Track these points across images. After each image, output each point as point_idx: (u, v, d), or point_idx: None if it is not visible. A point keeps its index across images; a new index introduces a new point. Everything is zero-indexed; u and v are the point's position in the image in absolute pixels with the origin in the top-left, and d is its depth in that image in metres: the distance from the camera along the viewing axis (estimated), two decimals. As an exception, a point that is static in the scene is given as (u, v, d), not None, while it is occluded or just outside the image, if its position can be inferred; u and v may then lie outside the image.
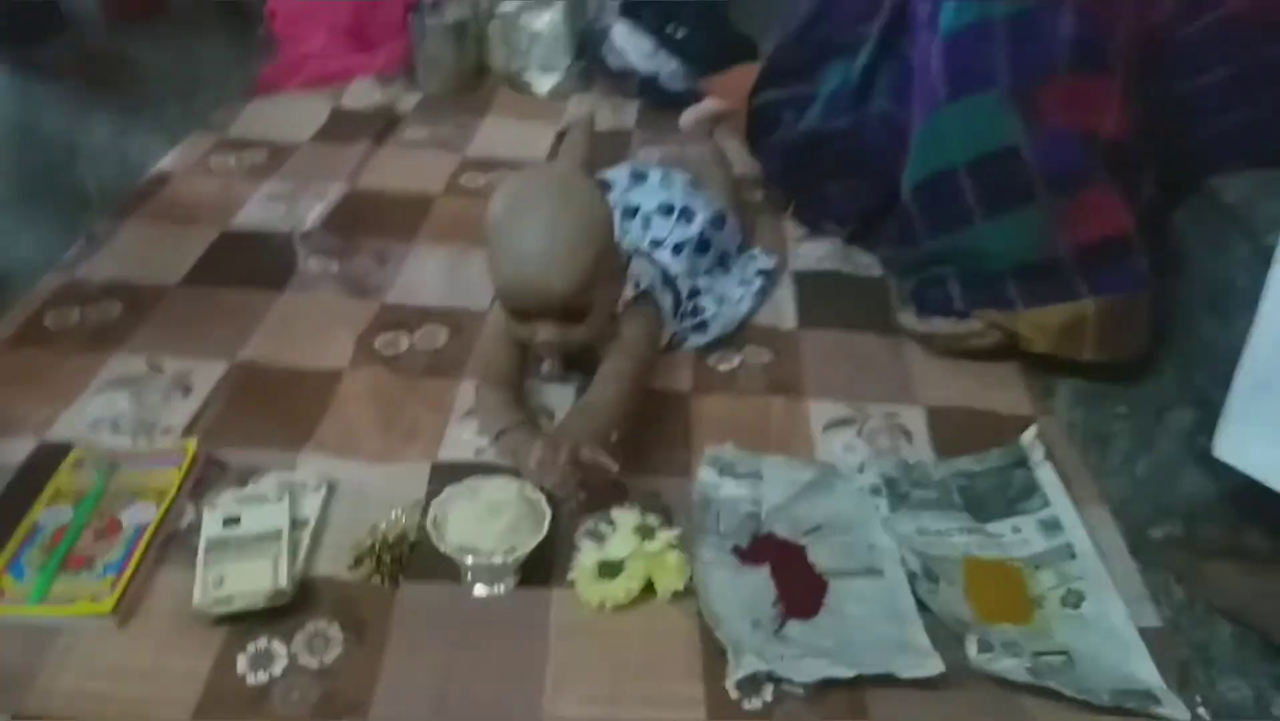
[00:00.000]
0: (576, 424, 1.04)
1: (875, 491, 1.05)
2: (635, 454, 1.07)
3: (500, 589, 0.93)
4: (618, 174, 1.45)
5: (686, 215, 1.35)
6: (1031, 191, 1.14)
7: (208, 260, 1.42)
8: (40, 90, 1.90)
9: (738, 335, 1.30)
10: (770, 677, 0.85)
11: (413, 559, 0.95)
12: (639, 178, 1.43)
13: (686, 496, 1.04)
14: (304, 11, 2.05)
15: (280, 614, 0.88)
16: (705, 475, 1.05)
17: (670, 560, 0.93)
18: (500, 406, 1.10)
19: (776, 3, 1.82)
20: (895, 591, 0.94)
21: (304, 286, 1.36)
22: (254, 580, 0.88)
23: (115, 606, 0.86)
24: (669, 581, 0.92)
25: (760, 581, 0.94)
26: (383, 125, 1.85)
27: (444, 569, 0.93)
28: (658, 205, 1.35)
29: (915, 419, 1.18)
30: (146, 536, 0.93)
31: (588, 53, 2.05)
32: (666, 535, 0.95)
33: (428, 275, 1.41)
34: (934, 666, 0.86)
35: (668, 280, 1.25)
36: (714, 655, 0.87)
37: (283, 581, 0.88)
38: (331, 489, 1.02)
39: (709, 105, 1.81)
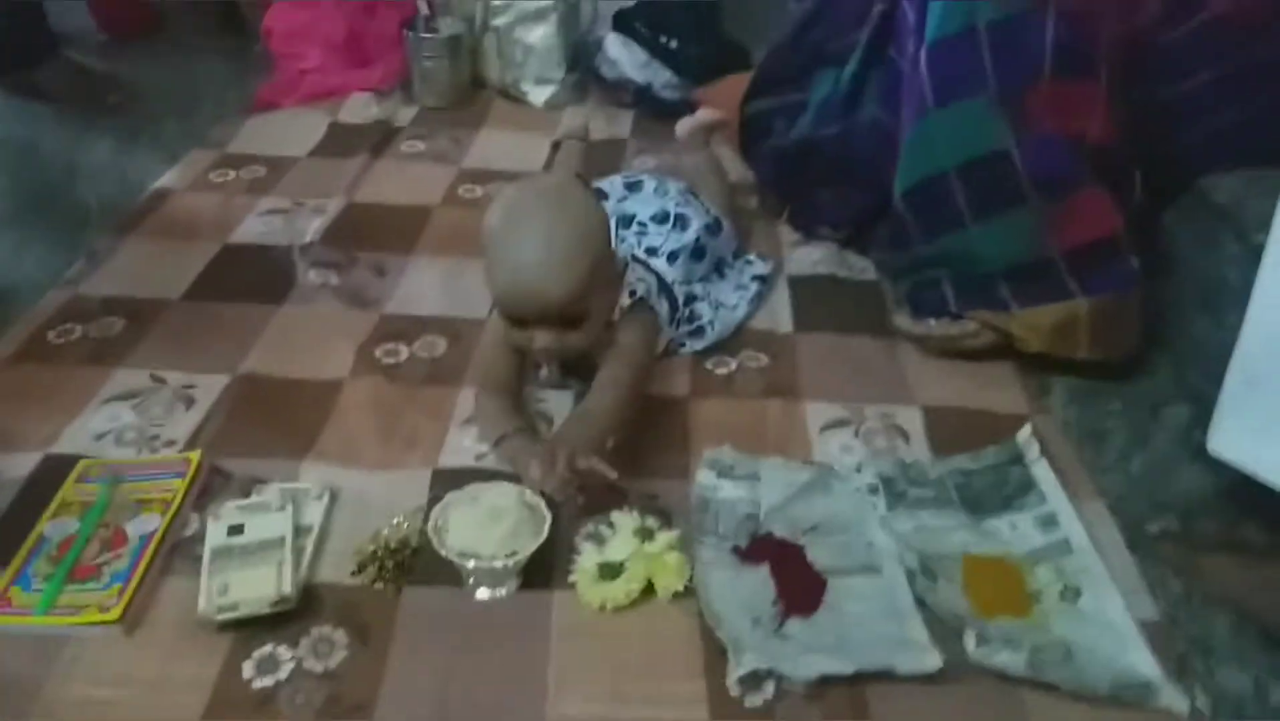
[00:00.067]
0: (574, 431, 1.05)
1: (873, 491, 1.06)
2: (634, 458, 1.08)
3: (502, 592, 0.93)
4: (613, 183, 1.46)
5: (681, 222, 1.36)
6: (1021, 194, 1.15)
7: (208, 275, 1.43)
8: (38, 111, 1.91)
9: (734, 339, 1.32)
10: (771, 675, 0.86)
11: (415, 564, 0.95)
12: (634, 186, 1.44)
13: (685, 499, 1.05)
14: (300, 29, 2.07)
15: (285, 620, 0.89)
16: (703, 477, 1.06)
17: (670, 561, 0.94)
18: (499, 413, 1.11)
19: (768, 12, 1.84)
20: (894, 588, 0.95)
21: (304, 299, 1.38)
22: (258, 587, 0.89)
23: (122, 615, 0.87)
24: (669, 582, 0.93)
25: (759, 580, 0.95)
26: (380, 139, 1.86)
27: (446, 573, 0.94)
28: (653, 213, 1.37)
29: (912, 419, 1.19)
30: (152, 546, 0.94)
31: (582, 64, 2.08)
32: (666, 536, 0.96)
33: (426, 286, 1.42)
34: (933, 662, 0.86)
35: (664, 287, 1.26)
36: (715, 654, 0.88)
37: (287, 588, 0.89)
38: (334, 496, 1.03)
39: (703, 114, 1.83)
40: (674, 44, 1.98)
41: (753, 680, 0.85)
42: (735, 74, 1.79)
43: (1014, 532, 1.02)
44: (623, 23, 2.04)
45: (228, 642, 0.87)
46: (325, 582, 0.94)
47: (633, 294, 1.17)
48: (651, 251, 1.32)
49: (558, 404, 1.19)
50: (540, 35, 2.02)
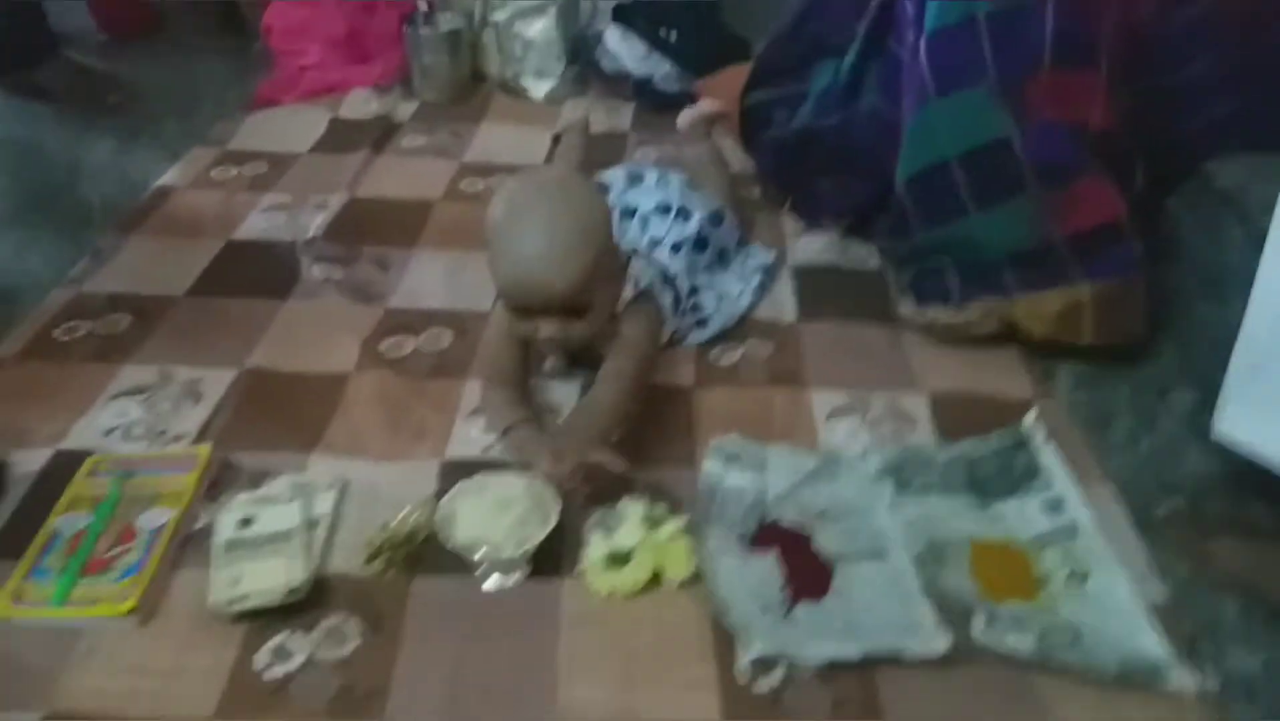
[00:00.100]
0: (581, 424, 1.06)
1: (879, 477, 1.06)
2: (640, 448, 1.08)
3: (511, 581, 0.94)
4: (614, 175, 1.47)
5: (684, 214, 1.36)
6: (1023, 182, 1.16)
7: (213, 271, 1.43)
8: (39, 111, 1.91)
9: (739, 329, 1.32)
10: (780, 660, 0.86)
11: (425, 553, 0.96)
12: (636, 179, 1.44)
13: (692, 487, 1.05)
14: (300, 26, 2.07)
15: (297, 610, 0.90)
16: (710, 466, 1.07)
17: (678, 548, 0.95)
18: (505, 405, 1.11)
19: (767, 3, 1.83)
20: (901, 573, 0.95)
21: (308, 294, 1.38)
22: (269, 578, 0.89)
23: (135, 607, 0.88)
24: (677, 569, 0.94)
25: (767, 567, 0.96)
26: (381, 134, 1.86)
27: (455, 563, 0.94)
28: (655, 205, 1.37)
29: (918, 405, 1.19)
30: (164, 539, 0.94)
31: (581, 57, 2.08)
32: (673, 524, 0.97)
33: (430, 280, 1.42)
34: (941, 645, 0.87)
35: (667, 279, 1.26)
36: (723, 640, 0.88)
37: (298, 578, 0.90)
38: (343, 488, 1.03)
39: (704, 106, 1.83)
40: (673, 36, 1.99)
41: (761, 665, 0.86)
42: (735, 65, 1.79)
43: (1021, 517, 1.03)
44: (622, 16, 2.05)
45: (241, 633, 0.88)
46: (336, 573, 0.95)
47: (636, 285, 1.18)
48: (654, 243, 1.32)
49: (563, 395, 1.19)
50: (540, 29, 2.02)
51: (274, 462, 1.07)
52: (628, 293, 1.16)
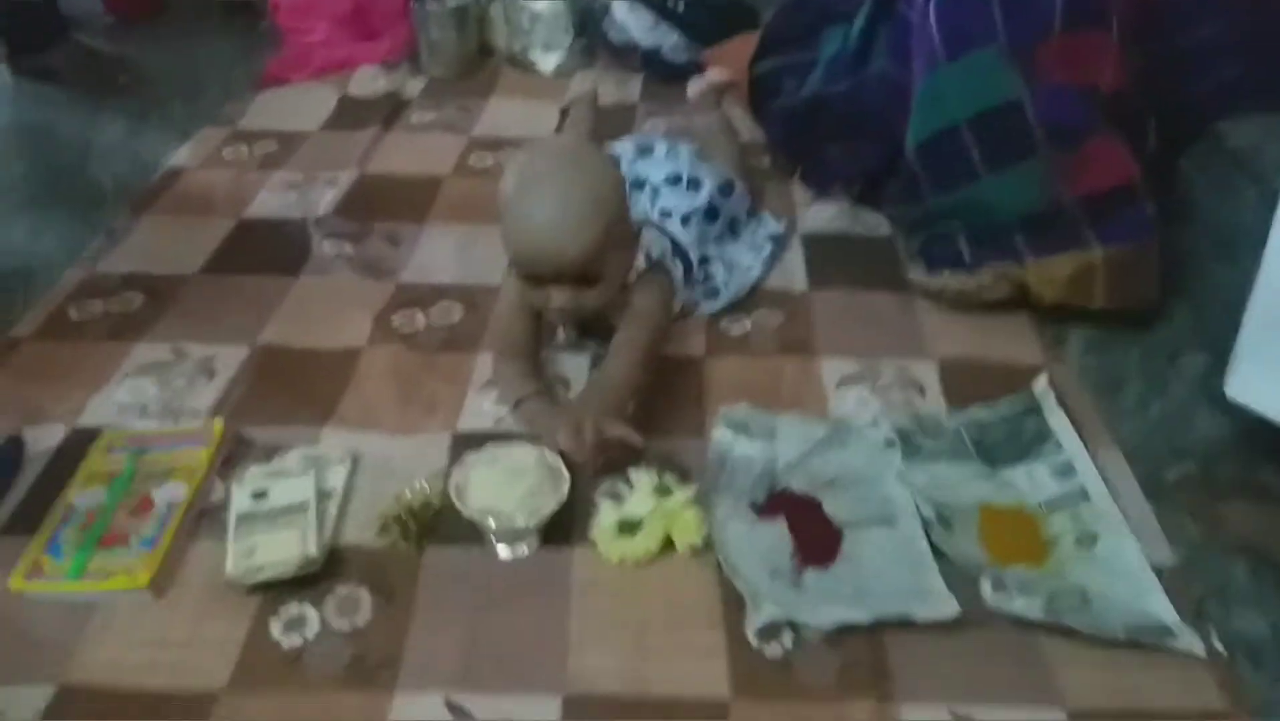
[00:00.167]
0: (595, 398, 1.06)
1: (889, 444, 1.06)
2: (651, 417, 1.09)
3: (523, 550, 0.95)
4: (624, 147, 1.46)
5: (694, 185, 1.36)
6: (1034, 144, 1.15)
7: (225, 249, 1.44)
8: (51, 94, 1.92)
9: (749, 299, 1.32)
10: (789, 625, 0.87)
11: (437, 524, 0.97)
12: (645, 150, 1.44)
13: (702, 456, 1.05)
14: (307, 3, 2.06)
15: (311, 581, 0.91)
16: (720, 434, 1.07)
17: (688, 516, 0.95)
18: (517, 377, 1.12)
19: (775, -29, 1.82)
20: (910, 539, 0.95)
21: (320, 270, 1.39)
22: (284, 550, 0.91)
23: (151, 580, 0.89)
24: (687, 537, 0.94)
25: (777, 533, 0.96)
26: (390, 111, 1.86)
27: (467, 533, 0.95)
28: (665, 176, 1.37)
29: (927, 372, 1.19)
30: (179, 513, 0.96)
31: (589, 29, 2.06)
32: (684, 492, 0.97)
33: (440, 254, 1.43)
34: (950, 609, 0.87)
35: (678, 249, 1.26)
36: (733, 606, 0.89)
37: (312, 549, 0.91)
38: (356, 461, 1.04)
39: (713, 76, 1.82)
40: (681, 6, 1.97)
41: (771, 630, 0.87)
42: (743, 34, 1.78)
43: (1030, 482, 1.02)
44: (629, -14, 2.03)
45: (255, 604, 0.89)
46: (350, 544, 0.96)
47: (647, 257, 1.17)
48: (665, 214, 1.31)
49: (575, 366, 1.19)
50: (547, 3, 2.01)
51: (287, 436, 1.08)
52: (640, 263, 1.16)
